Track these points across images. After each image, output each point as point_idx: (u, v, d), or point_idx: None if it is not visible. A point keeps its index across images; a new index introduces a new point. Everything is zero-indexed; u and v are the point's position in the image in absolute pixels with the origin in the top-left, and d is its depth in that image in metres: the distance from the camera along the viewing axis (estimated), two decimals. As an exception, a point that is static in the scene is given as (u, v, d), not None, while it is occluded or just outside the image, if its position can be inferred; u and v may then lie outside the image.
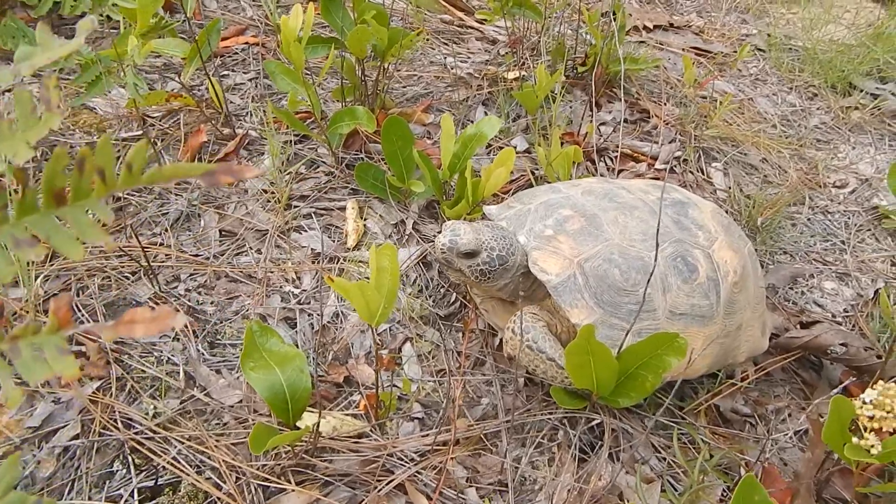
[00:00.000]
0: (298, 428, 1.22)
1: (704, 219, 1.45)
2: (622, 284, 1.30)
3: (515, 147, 1.95)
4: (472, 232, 1.33)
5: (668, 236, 1.36)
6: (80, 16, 1.51)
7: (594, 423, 1.38)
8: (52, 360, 0.38)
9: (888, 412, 0.94)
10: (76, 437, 1.27)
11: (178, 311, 0.37)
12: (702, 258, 1.37)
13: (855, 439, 1.00)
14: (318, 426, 1.17)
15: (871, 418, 0.95)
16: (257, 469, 1.22)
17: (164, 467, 1.23)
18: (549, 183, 1.64)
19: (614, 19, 2.02)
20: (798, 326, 1.73)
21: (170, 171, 0.40)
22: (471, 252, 1.32)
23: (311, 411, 1.30)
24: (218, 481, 1.22)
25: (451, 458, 1.29)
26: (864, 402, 0.98)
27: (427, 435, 1.31)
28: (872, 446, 0.96)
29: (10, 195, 0.42)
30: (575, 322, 1.29)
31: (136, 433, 1.27)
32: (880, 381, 0.98)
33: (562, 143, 1.74)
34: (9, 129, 0.41)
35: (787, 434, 1.54)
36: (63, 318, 0.39)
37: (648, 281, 1.25)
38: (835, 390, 1.33)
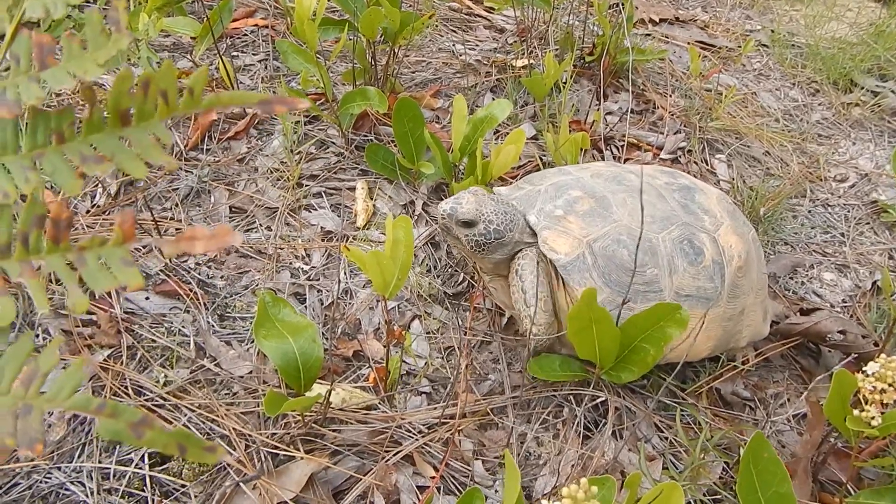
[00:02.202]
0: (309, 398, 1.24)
1: (710, 204, 1.47)
2: (630, 265, 1.32)
3: (522, 147, 1.97)
4: (475, 203, 1.35)
5: (675, 220, 1.38)
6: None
7: (598, 400, 1.41)
8: (116, 271, 0.40)
9: (889, 385, 0.97)
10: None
11: (237, 232, 0.38)
12: (708, 242, 1.39)
13: (856, 412, 1.02)
14: (328, 395, 1.19)
15: (873, 390, 0.98)
16: (267, 437, 1.24)
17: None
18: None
19: (623, 9, 2.05)
20: (798, 314, 1.75)
21: (227, 98, 0.42)
22: (469, 221, 1.34)
23: (322, 383, 1.32)
24: (228, 448, 1.24)
25: (458, 431, 1.31)
26: (867, 375, 1.00)
27: (434, 408, 1.33)
28: (873, 418, 0.99)
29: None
30: None
31: (146, 400, 1.28)
32: (882, 355, 1.00)
33: (570, 131, 1.76)
34: (79, 49, 0.43)
35: (785, 417, 1.56)
36: (128, 231, 0.41)
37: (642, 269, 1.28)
38: (837, 366, 1.35)
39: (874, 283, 1.96)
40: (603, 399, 1.40)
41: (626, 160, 2.05)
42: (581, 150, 1.74)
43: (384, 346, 1.33)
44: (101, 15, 0.44)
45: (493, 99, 2.08)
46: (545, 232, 1.36)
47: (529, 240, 1.40)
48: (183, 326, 1.42)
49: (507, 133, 1.97)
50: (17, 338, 0.40)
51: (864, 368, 1.01)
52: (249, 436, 1.25)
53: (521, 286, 1.34)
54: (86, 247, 0.41)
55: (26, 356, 0.40)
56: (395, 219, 1.17)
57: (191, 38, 1.88)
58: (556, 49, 2.25)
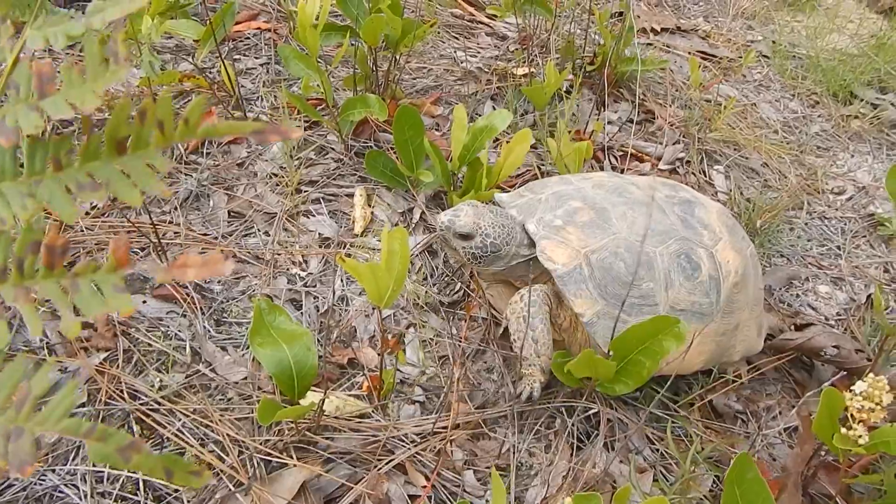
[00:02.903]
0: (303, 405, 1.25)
1: (710, 219, 1.48)
2: (626, 278, 1.32)
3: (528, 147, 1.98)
4: (473, 215, 1.36)
5: (673, 234, 1.39)
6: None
7: (591, 412, 1.42)
8: (108, 297, 0.40)
9: (876, 404, 0.98)
10: (82, 405, 1.30)
11: (228, 257, 0.39)
12: (705, 257, 1.40)
13: (844, 430, 1.03)
14: (322, 403, 1.20)
15: (860, 409, 0.99)
16: (260, 444, 1.25)
17: (168, 438, 1.26)
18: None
19: (624, 19, 2.05)
20: (792, 328, 1.76)
21: (224, 128, 0.43)
22: (466, 234, 1.35)
23: (316, 390, 1.33)
24: (221, 454, 1.25)
25: (450, 442, 1.32)
26: (854, 394, 1.01)
27: (428, 418, 1.34)
28: (860, 437, 1.00)
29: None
30: (578, 312, 1.32)
31: (141, 404, 1.29)
32: (870, 374, 1.01)
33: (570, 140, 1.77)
34: (79, 78, 0.44)
35: (776, 430, 1.57)
36: (121, 257, 0.41)
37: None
38: (825, 383, 1.36)
39: (869, 296, 1.97)
40: (595, 411, 1.41)
41: (624, 171, 2.06)
42: (584, 160, 1.75)
43: (379, 355, 1.34)
44: (101, 45, 0.45)
45: (494, 107, 2.09)
46: (543, 242, 1.36)
47: (527, 252, 1.41)
48: (179, 331, 1.43)
49: (507, 143, 1.98)
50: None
51: (852, 387, 1.02)
52: (243, 442, 1.26)
53: (533, 335, 1.33)
54: (80, 273, 0.42)
55: (19, 379, 0.41)
56: (391, 230, 1.17)
57: (193, 40, 1.88)
58: (558, 58, 2.26)
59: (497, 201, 1.53)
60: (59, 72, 0.44)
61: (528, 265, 1.42)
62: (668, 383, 1.32)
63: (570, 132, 1.76)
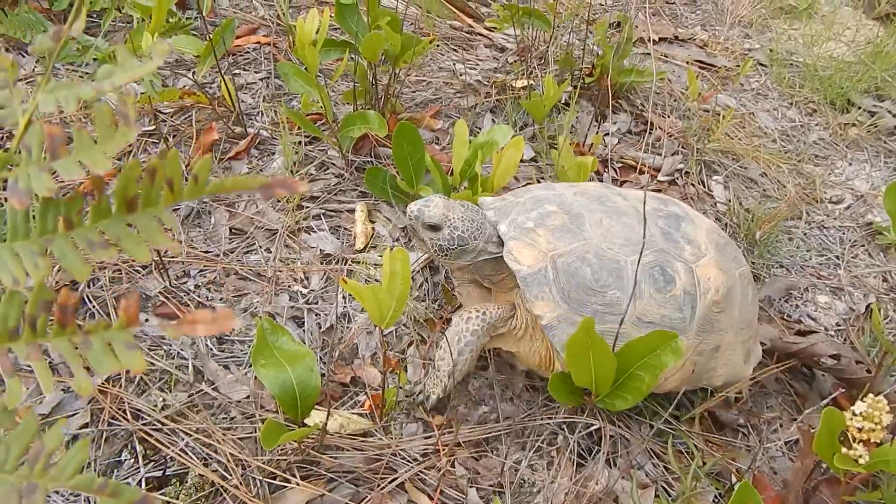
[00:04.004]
0: (306, 425, 1.25)
1: (697, 235, 1.45)
2: (591, 284, 1.30)
3: (522, 155, 1.98)
4: (443, 207, 1.35)
5: (651, 245, 1.36)
6: (99, 11, 1.53)
7: (592, 428, 1.42)
8: (120, 354, 0.41)
9: (876, 424, 0.98)
10: (85, 425, 1.30)
11: (236, 315, 0.39)
12: (682, 271, 1.36)
13: (844, 449, 1.04)
14: (325, 424, 1.21)
15: (861, 430, 0.99)
16: (263, 463, 1.25)
17: (171, 458, 1.26)
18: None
19: (619, 29, 2.06)
20: (794, 334, 1.77)
21: (230, 184, 0.43)
22: (434, 225, 1.35)
23: (319, 409, 1.34)
24: (224, 473, 1.25)
25: (453, 459, 1.32)
26: (854, 414, 1.02)
27: (430, 437, 1.35)
28: (860, 456, 1.00)
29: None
30: (537, 314, 1.30)
31: (144, 424, 1.30)
32: (870, 395, 1.02)
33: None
34: (90, 140, 0.44)
35: (777, 444, 1.58)
36: (131, 315, 0.42)
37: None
38: (824, 401, 1.37)
39: (868, 306, 1.97)
40: (597, 427, 1.42)
41: (623, 182, 2.07)
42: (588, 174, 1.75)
43: (381, 373, 1.34)
44: (110, 106, 0.45)
45: (493, 120, 2.10)
46: (512, 242, 1.35)
47: (495, 249, 1.39)
48: (181, 349, 1.43)
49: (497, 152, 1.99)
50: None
51: (851, 408, 1.03)
52: (246, 461, 1.26)
53: (456, 359, 1.34)
54: (91, 331, 0.43)
55: (32, 436, 0.41)
56: (393, 251, 1.18)
57: (194, 56, 1.89)
58: (556, 70, 2.26)
59: (480, 203, 1.50)
60: (69, 133, 0.44)
61: (496, 263, 1.40)
62: (676, 400, 1.33)
63: (571, 144, 1.77)
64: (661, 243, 1.38)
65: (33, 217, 0.45)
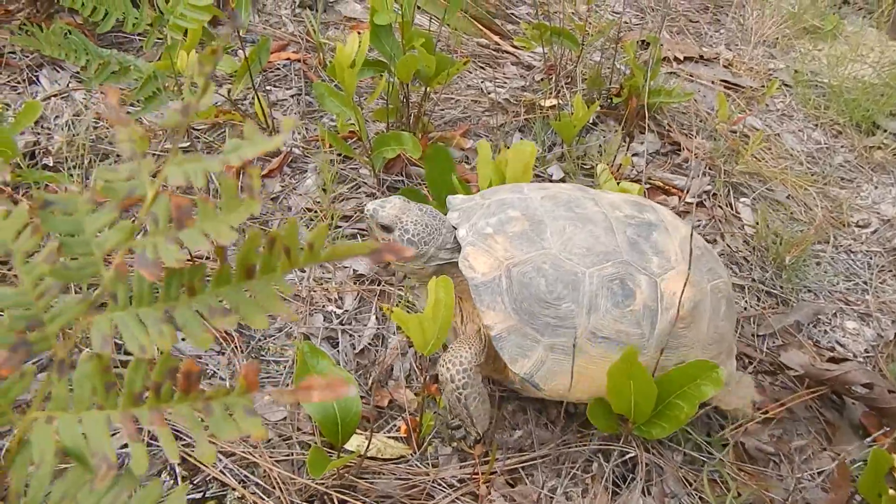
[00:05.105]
0: (346, 449, 1.26)
1: (669, 245, 1.38)
2: (545, 296, 1.26)
3: (552, 176, 1.99)
4: (398, 209, 1.34)
5: (614, 256, 1.30)
6: (142, 32, 1.55)
7: (627, 456, 1.42)
8: (240, 420, 0.42)
9: (929, 469, 0.98)
10: (124, 446, 1.31)
11: (351, 381, 0.40)
12: (644, 285, 1.31)
13: (892, 491, 1.03)
14: (367, 450, 1.21)
15: (912, 473, 0.99)
16: (301, 487, 1.26)
17: (211, 479, 1.27)
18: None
19: (645, 48, 2.07)
20: (827, 361, 1.77)
21: (343, 251, 0.44)
22: (386, 226, 1.33)
23: (357, 433, 1.34)
24: (262, 496, 1.26)
25: (489, 486, 1.32)
26: (905, 457, 1.01)
27: (466, 463, 1.35)
28: (911, 500, 1.00)
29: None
30: (486, 324, 1.27)
31: (184, 445, 1.30)
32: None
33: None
34: (213, 211, 0.45)
35: (809, 473, 1.57)
36: (251, 381, 0.43)
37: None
38: (868, 440, 1.36)
39: (896, 333, 1.97)
40: (632, 455, 1.42)
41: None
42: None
43: (419, 400, 1.35)
44: (236, 179, 0.46)
45: (522, 139, 2.10)
46: (468, 248, 1.31)
47: (447, 256, 1.37)
48: (218, 369, 1.44)
49: (537, 176, 1.99)
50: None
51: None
52: (283, 484, 1.27)
53: (468, 413, 1.32)
54: (212, 396, 0.43)
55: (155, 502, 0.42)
56: (438, 279, 1.19)
57: (227, 74, 1.91)
58: (584, 89, 2.27)
59: (448, 202, 1.47)
60: (195, 205, 0.45)
61: (453, 268, 1.36)
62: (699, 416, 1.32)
63: (607, 166, 1.77)
64: (626, 254, 1.32)
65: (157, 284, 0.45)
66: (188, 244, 0.44)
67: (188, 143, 1.85)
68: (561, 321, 1.27)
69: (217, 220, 0.45)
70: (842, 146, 2.59)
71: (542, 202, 1.38)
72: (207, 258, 1.59)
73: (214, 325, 0.44)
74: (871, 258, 2.20)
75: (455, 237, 1.37)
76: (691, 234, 1.32)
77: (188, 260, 1.54)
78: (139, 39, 2.12)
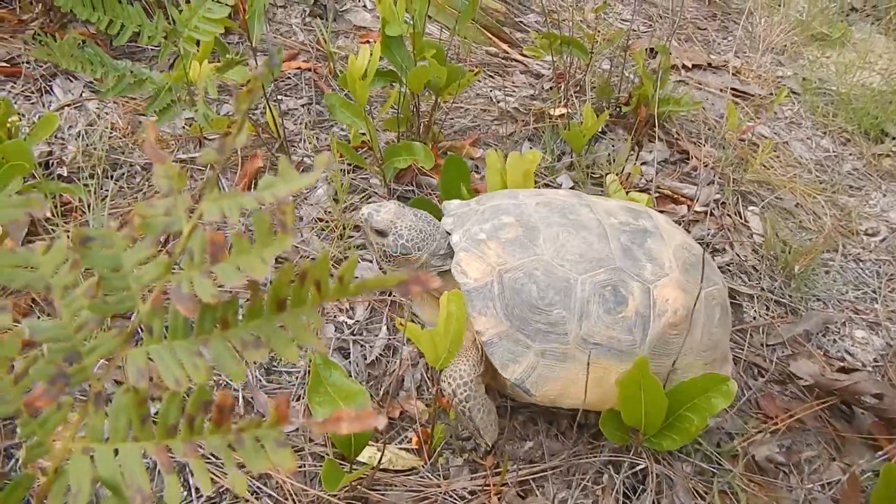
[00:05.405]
0: (358, 461, 1.26)
1: (663, 252, 1.38)
2: (536, 302, 1.27)
3: (561, 185, 2.00)
4: (393, 214, 1.35)
5: (607, 263, 1.31)
6: (156, 45, 1.56)
7: (637, 468, 1.42)
8: (270, 452, 0.43)
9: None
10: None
11: (381, 413, 0.41)
12: (637, 291, 1.31)
13: (905, 507, 1.04)
14: (379, 462, 1.22)
15: (925, 490, 0.99)
16: (314, 498, 1.27)
17: (224, 491, 1.28)
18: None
19: (654, 56, 2.07)
20: (837, 371, 1.77)
21: (372, 283, 0.45)
22: (381, 231, 1.35)
23: (370, 444, 1.35)
24: (275, 508, 1.27)
25: (500, 498, 1.33)
26: (918, 474, 1.02)
27: (477, 475, 1.36)
28: (925, 517, 1.00)
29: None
30: (478, 329, 1.27)
31: (207, 462, 1.31)
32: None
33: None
34: (247, 246, 0.46)
35: (819, 484, 1.57)
36: (281, 413, 0.44)
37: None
38: (880, 454, 1.37)
39: (906, 342, 1.97)
40: (642, 466, 1.42)
41: (660, 212, 2.07)
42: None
43: (430, 411, 1.35)
44: (269, 215, 0.47)
45: (531, 148, 2.11)
46: (461, 254, 1.33)
47: (440, 263, 1.38)
48: (230, 380, 1.45)
49: (545, 184, 2.00)
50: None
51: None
52: (296, 496, 1.28)
53: (469, 415, 1.33)
54: (244, 428, 0.44)
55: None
56: (449, 293, 1.20)
57: (238, 84, 1.92)
58: (593, 97, 2.28)
59: (443, 207, 1.47)
60: (228, 238, 0.46)
61: (446, 275, 1.37)
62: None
63: (616, 176, 1.78)
64: (619, 261, 1.32)
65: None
66: (222, 279, 0.45)
67: (199, 153, 1.87)
68: (552, 327, 1.28)
69: (251, 255, 0.46)
70: (850, 154, 2.59)
71: (537, 208, 1.39)
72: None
73: (247, 358, 0.45)
74: (879, 267, 2.20)
75: (449, 243, 1.38)
76: (705, 245, 1.33)
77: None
78: (151, 49, 2.14)
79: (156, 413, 0.47)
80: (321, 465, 1.26)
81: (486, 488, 1.33)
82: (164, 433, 0.45)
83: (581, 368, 1.28)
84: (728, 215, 2.14)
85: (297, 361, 0.42)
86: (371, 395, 1.46)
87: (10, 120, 1.45)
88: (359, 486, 1.29)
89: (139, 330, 0.46)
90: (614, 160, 2.10)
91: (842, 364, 1.82)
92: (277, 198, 0.47)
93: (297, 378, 1.48)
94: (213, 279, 0.45)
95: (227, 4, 1.49)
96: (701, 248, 1.53)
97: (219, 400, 0.44)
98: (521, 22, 2.67)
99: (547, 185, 1.99)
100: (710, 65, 2.71)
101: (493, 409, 1.38)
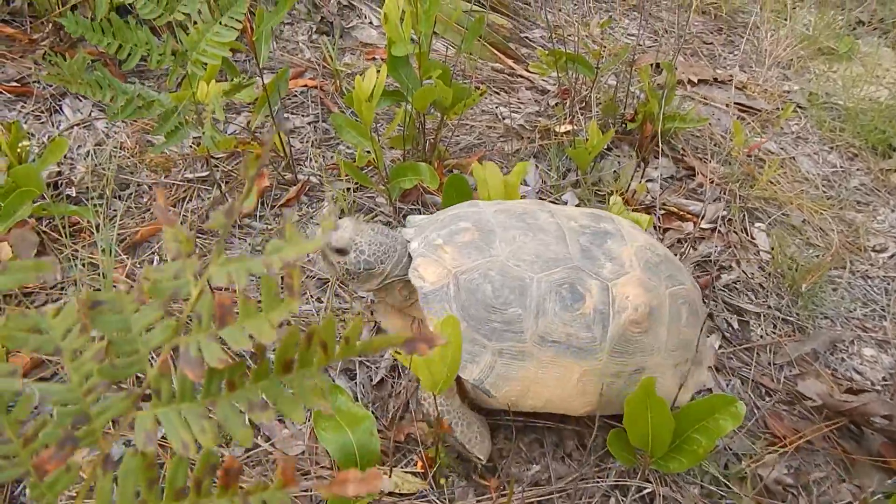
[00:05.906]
0: (364, 487, 1.26)
1: (623, 253, 1.38)
2: (492, 301, 1.27)
3: (566, 202, 2.00)
4: (351, 230, 1.34)
5: (565, 262, 1.31)
6: (164, 69, 1.57)
7: (645, 491, 1.42)
8: (279, 518, 0.43)
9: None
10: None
11: (384, 474, 0.41)
12: (595, 289, 1.31)
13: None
14: (386, 490, 1.22)
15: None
16: (321, 523, 1.27)
17: (230, 516, 1.28)
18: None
19: (660, 72, 2.07)
20: (845, 392, 1.76)
21: (378, 343, 0.45)
22: (341, 249, 1.33)
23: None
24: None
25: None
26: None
27: (482, 499, 1.35)
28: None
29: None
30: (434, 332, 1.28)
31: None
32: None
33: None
34: (254, 309, 0.47)
35: (828, 507, 1.56)
36: (288, 476, 0.44)
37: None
38: (891, 481, 1.35)
39: (915, 361, 1.95)
40: (650, 490, 1.41)
41: (665, 230, 2.07)
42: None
43: (431, 434, 1.35)
44: (276, 280, 0.48)
45: (537, 165, 2.12)
46: (419, 259, 1.33)
47: (403, 272, 1.37)
48: (237, 402, 1.46)
49: (552, 202, 2.00)
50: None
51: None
52: (303, 520, 1.28)
53: (458, 440, 1.34)
54: (251, 492, 0.45)
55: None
56: (444, 319, 1.20)
57: (246, 102, 1.93)
58: (598, 114, 2.28)
59: (407, 222, 1.49)
60: (235, 302, 0.47)
61: (409, 284, 1.37)
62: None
63: (616, 193, 1.78)
64: (578, 260, 1.33)
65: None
66: (230, 342, 0.45)
67: (207, 173, 1.88)
68: (508, 325, 1.28)
69: (258, 319, 0.46)
70: (857, 169, 2.58)
71: (495, 214, 1.40)
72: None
73: (254, 420, 0.46)
74: (888, 283, 2.18)
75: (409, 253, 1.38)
76: (712, 263, 1.32)
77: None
78: (159, 69, 2.16)
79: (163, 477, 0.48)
80: (327, 490, 1.27)
81: (491, 513, 1.33)
82: (173, 497, 0.45)
83: (540, 367, 1.28)
84: (735, 232, 2.14)
85: (303, 422, 0.42)
86: (376, 416, 1.46)
87: (20, 144, 1.46)
88: (365, 511, 1.29)
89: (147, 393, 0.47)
90: (620, 177, 2.10)
91: (850, 384, 1.81)
92: (284, 262, 0.47)
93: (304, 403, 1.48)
94: (221, 343, 0.46)
95: (235, 28, 1.50)
96: (666, 249, 1.52)
97: (227, 464, 0.44)
98: (526, 37, 2.68)
99: (554, 202, 1.99)
100: (716, 80, 2.71)
101: (476, 421, 1.38)
